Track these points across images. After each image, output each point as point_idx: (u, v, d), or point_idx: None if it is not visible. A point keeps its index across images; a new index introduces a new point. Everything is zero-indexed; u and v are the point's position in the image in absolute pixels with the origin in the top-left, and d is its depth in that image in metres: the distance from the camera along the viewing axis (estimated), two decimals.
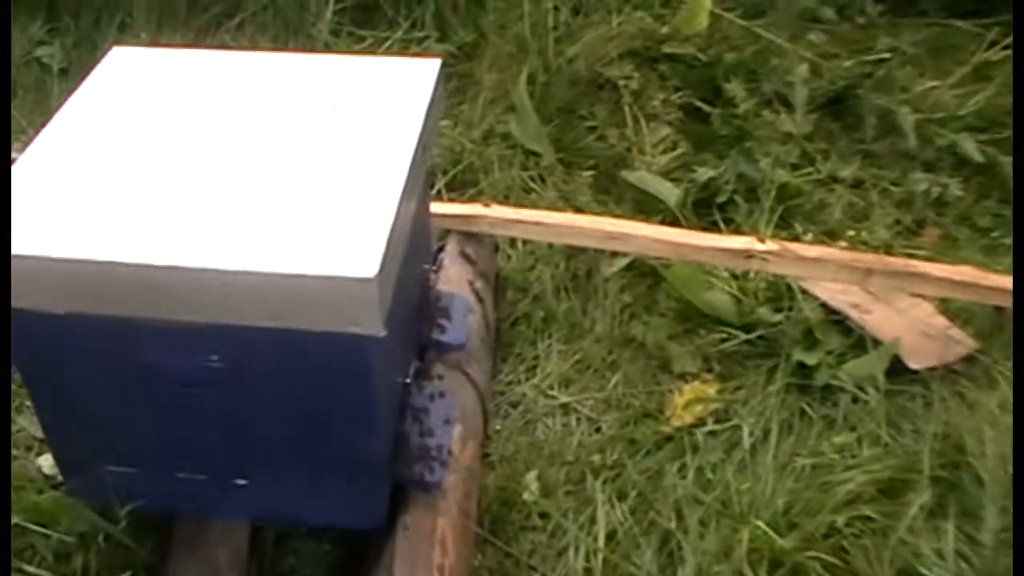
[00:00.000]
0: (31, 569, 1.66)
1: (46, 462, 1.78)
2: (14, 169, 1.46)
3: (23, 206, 1.39)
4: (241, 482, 1.56)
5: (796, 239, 2.26)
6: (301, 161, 1.45)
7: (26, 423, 1.87)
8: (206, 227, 1.34)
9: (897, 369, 1.99)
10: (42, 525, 1.69)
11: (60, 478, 1.70)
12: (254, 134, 1.51)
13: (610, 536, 1.74)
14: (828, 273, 2.08)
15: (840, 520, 1.72)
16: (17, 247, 1.33)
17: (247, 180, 1.42)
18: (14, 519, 1.69)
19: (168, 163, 1.46)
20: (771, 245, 2.06)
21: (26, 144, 1.52)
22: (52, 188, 1.42)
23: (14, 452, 1.85)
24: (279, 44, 2.76)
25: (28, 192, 1.42)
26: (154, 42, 2.61)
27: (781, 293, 2.16)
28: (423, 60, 1.68)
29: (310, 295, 1.29)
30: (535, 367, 2.06)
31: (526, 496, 1.79)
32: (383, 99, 1.57)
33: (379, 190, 1.38)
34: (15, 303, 1.39)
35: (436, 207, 2.03)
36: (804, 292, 2.15)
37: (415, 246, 1.62)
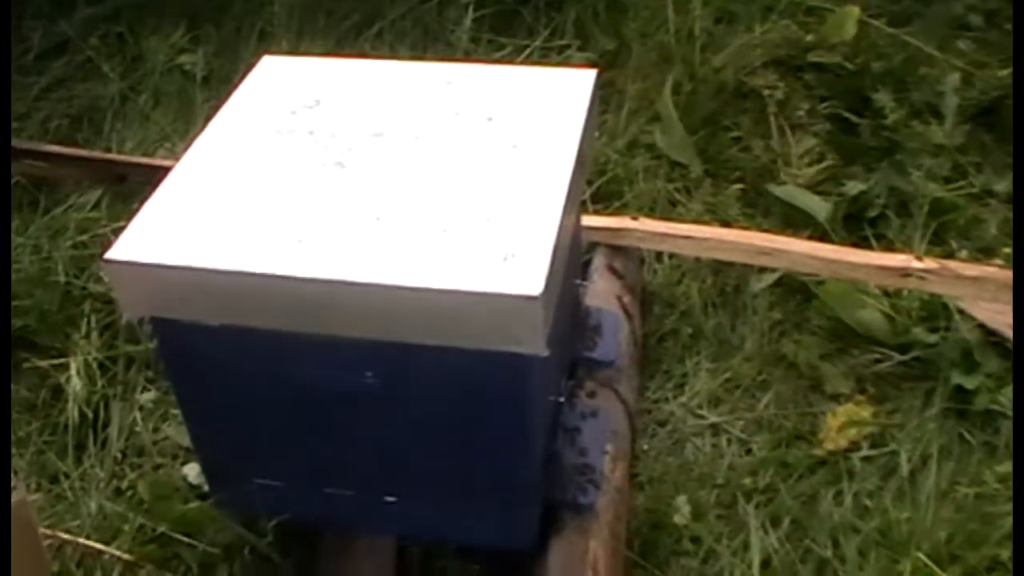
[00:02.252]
0: None
1: (192, 471, 1.80)
2: (168, 178, 1.45)
3: (180, 217, 1.38)
4: (390, 499, 1.54)
5: (950, 256, 2.18)
6: (459, 174, 1.42)
7: (172, 432, 1.89)
8: (366, 241, 1.32)
9: None
10: (187, 535, 1.70)
11: (206, 488, 1.71)
12: (411, 146, 1.48)
13: (765, 563, 1.69)
14: (988, 293, 1.99)
15: (1004, 554, 1.66)
16: (173, 258, 1.32)
17: (405, 193, 1.39)
18: (160, 528, 1.71)
19: (325, 175, 1.44)
20: (929, 263, 1.99)
21: (176, 153, 1.52)
22: (208, 198, 1.42)
23: (160, 460, 1.87)
24: (418, 52, 2.75)
25: (185, 202, 1.41)
26: (295, 50, 2.62)
27: (937, 313, 2.08)
28: (578, 70, 1.64)
29: (473, 312, 1.26)
30: (683, 385, 2.02)
31: (677, 519, 1.75)
32: (539, 110, 1.54)
33: (541, 205, 1.35)
34: (169, 314, 1.40)
35: (583, 219, 1.99)
36: (961, 312, 2.06)
37: (570, 261, 1.58)
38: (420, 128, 1.52)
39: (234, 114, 1.59)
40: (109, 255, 1.36)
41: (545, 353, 1.28)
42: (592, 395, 1.74)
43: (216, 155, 1.50)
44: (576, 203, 1.53)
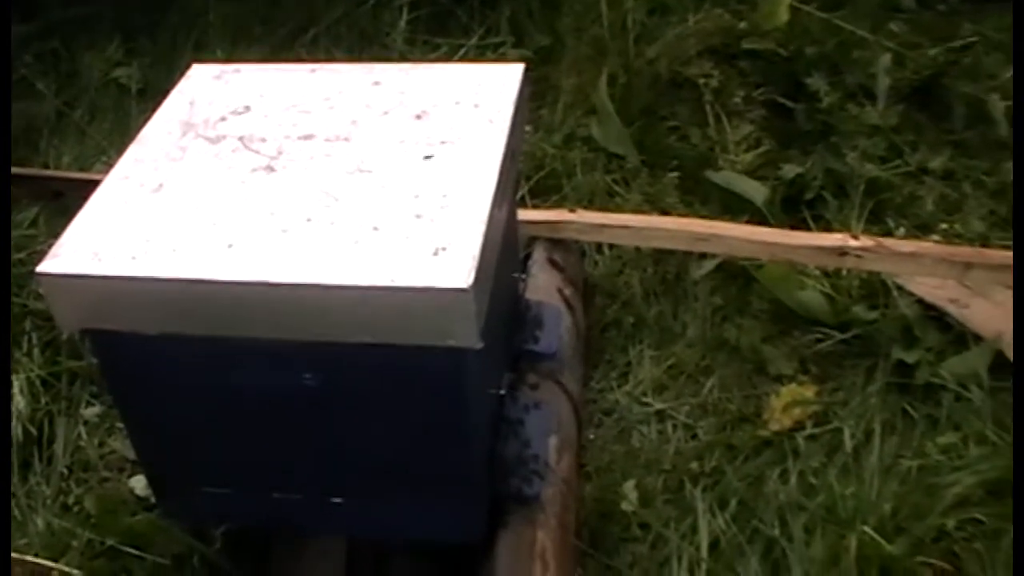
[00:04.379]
0: None
1: (138, 484, 1.79)
2: (99, 189, 1.45)
3: (112, 227, 1.38)
4: (337, 500, 1.54)
5: (888, 234, 2.21)
6: (389, 173, 1.42)
7: (118, 445, 1.88)
8: (296, 242, 1.32)
9: (1001, 365, 1.92)
10: (136, 547, 1.70)
11: (154, 500, 1.70)
12: (340, 147, 1.48)
13: (713, 545, 1.71)
14: (925, 268, 2.02)
15: (950, 523, 1.69)
16: (105, 268, 1.32)
17: (336, 193, 1.39)
18: (108, 541, 1.70)
19: (255, 179, 1.44)
20: (865, 241, 2.01)
21: (109, 165, 1.51)
22: (138, 207, 1.41)
23: (107, 474, 1.87)
24: (354, 56, 2.75)
25: (115, 213, 1.41)
26: (230, 59, 2.60)
27: (876, 290, 2.12)
28: (506, 65, 1.65)
29: (405, 308, 1.26)
30: (627, 374, 2.03)
31: (625, 506, 1.76)
32: (468, 106, 1.54)
33: (470, 199, 1.36)
34: (107, 325, 1.39)
35: (522, 214, 2.00)
36: (899, 288, 2.10)
37: (506, 255, 1.59)
38: (349, 129, 1.52)
39: (163, 123, 1.58)
40: (40, 268, 1.35)
41: (479, 346, 1.28)
42: (535, 387, 1.75)
43: (146, 164, 1.49)
44: (508, 196, 1.54)
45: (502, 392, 1.65)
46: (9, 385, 1.93)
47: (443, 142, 1.47)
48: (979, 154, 2.48)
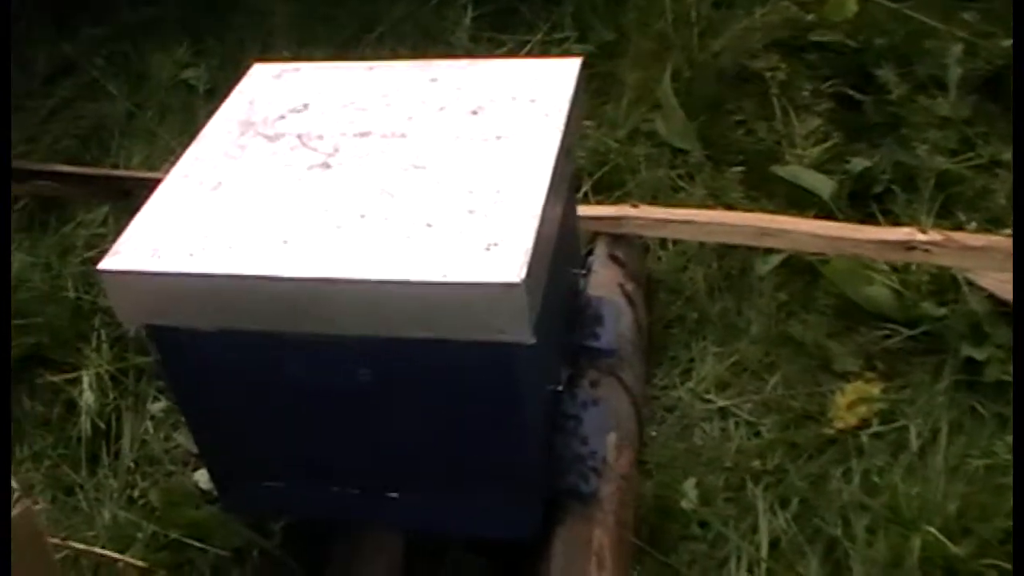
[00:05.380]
0: None
1: (202, 478, 1.81)
2: (160, 188, 1.47)
3: (171, 224, 1.40)
4: (393, 495, 1.54)
5: (959, 228, 2.15)
6: (444, 169, 1.42)
7: (182, 439, 1.91)
8: (350, 239, 1.33)
9: None
10: (199, 540, 1.72)
11: (216, 493, 1.72)
12: (396, 143, 1.49)
13: (773, 545, 1.68)
14: (995, 263, 1.97)
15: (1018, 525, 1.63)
16: (166, 265, 1.34)
17: (390, 190, 1.40)
18: (172, 534, 1.72)
19: (311, 177, 1.45)
20: (933, 235, 1.97)
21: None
22: (197, 205, 1.43)
23: (172, 467, 1.89)
24: (419, 54, 2.75)
25: (174, 211, 1.43)
26: (296, 59, 2.63)
27: (946, 285, 2.07)
28: (562, 60, 1.64)
29: (457, 303, 1.27)
30: (690, 370, 2.01)
31: (684, 504, 1.74)
32: (524, 102, 1.54)
33: (524, 195, 1.35)
34: (165, 321, 1.41)
35: (583, 210, 1.99)
36: (970, 284, 2.04)
37: (563, 251, 1.58)
38: (406, 126, 1.53)
39: (223, 121, 1.60)
40: (102, 265, 1.38)
41: (531, 341, 1.28)
42: (595, 384, 1.74)
43: (206, 163, 1.52)
44: (564, 191, 1.53)
45: (559, 388, 1.64)
46: (9, 383, 1.96)
47: (498, 137, 1.47)
48: None
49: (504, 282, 1.23)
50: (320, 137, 1.53)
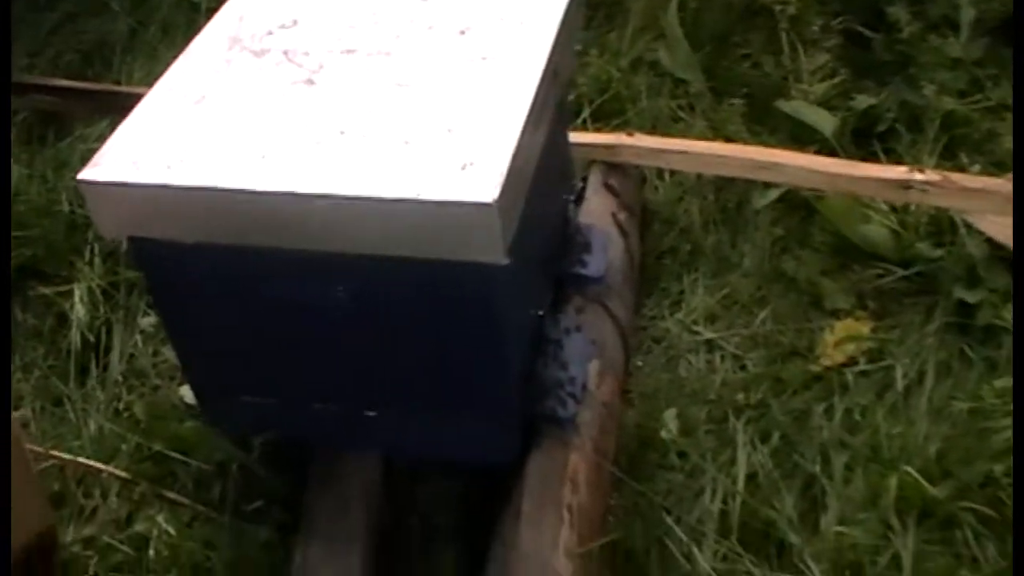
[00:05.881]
0: (172, 495, 1.70)
1: (187, 392, 1.81)
2: (143, 100, 1.46)
3: (152, 137, 1.39)
4: (371, 414, 1.55)
5: (962, 170, 2.12)
6: (427, 88, 1.41)
7: (170, 354, 1.91)
8: (328, 155, 1.32)
9: None
10: (182, 453, 1.73)
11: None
12: (382, 61, 1.48)
13: (750, 478, 1.68)
14: (995, 206, 1.94)
15: (998, 469, 1.63)
16: (144, 176, 1.34)
17: (372, 107, 1.39)
18: (155, 446, 1.74)
19: (294, 93, 1.44)
20: (931, 175, 1.94)
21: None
22: (179, 119, 1.42)
23: (158, 382, 1.90)
24: None
25: (156, 123, 1.42)
26: None
27: (944, 227, 2.04)
28: None
29: (432, 222, 1.26)
30: (680, 302, 2.00)
31: (664, 434, 1.73)
32: (512, 23, 1.52)
33: (504, 115, 1.34)
34: (144, 233, 1.41)
35: (578, 136, 1.97)
36: (968, 227, 2.02)
37: (550, 176, 1.57)
38: (392, 44, 1.51)
39: (212, 36, 1.59)
40: (82, 176, 1.38)
41: (505, 261, 1.27)
42: (580, 311, 1.73)
43: (191, 76, 1.51)
44: (550, 116, 1.52)
45: (541, 313, 1.64)
46: (9, 379, 1.96)
47: (484, 58, 1.45)
48: None
49: (478, 201, 1.22)
50: (306, 53, 1.51)
